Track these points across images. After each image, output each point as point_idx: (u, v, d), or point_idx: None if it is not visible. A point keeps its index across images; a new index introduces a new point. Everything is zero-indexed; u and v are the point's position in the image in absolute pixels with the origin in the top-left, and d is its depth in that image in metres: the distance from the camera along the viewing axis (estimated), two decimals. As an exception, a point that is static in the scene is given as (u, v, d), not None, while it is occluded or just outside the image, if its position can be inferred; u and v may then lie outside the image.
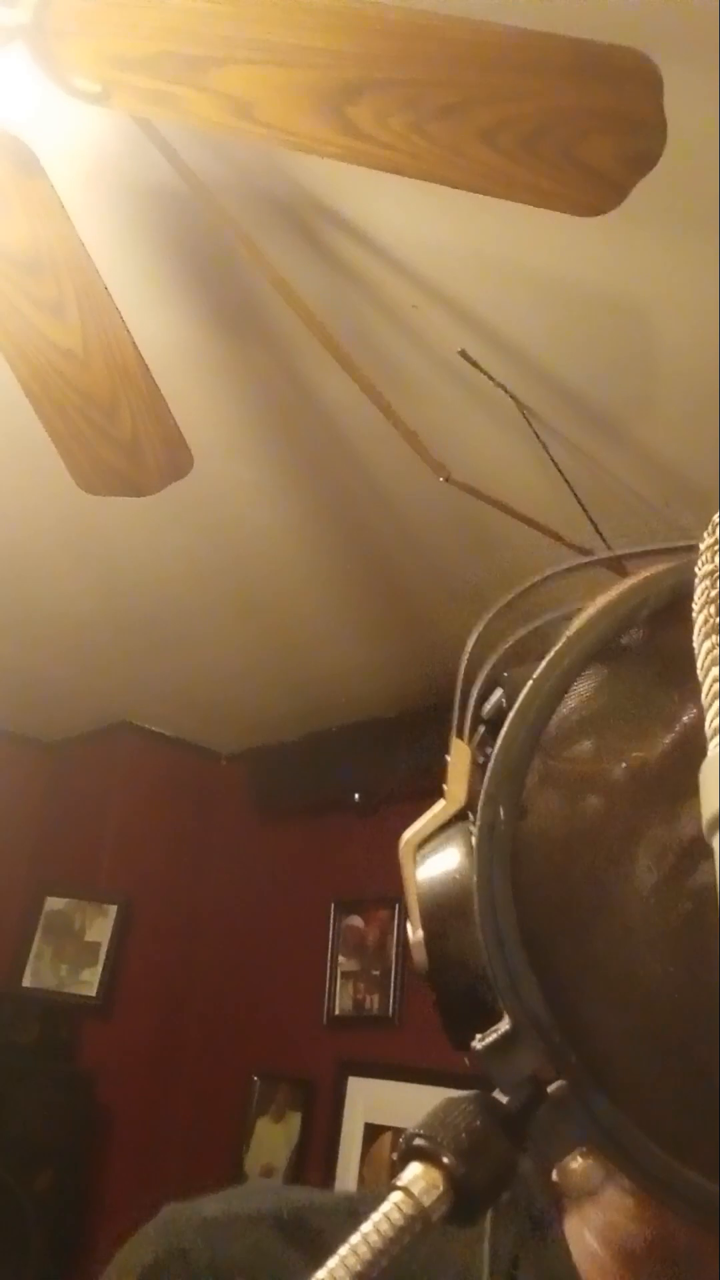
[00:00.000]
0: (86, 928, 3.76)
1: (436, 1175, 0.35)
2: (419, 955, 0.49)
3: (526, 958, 0.39)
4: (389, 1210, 0.34)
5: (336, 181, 1.75)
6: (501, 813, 0.40)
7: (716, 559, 0.36)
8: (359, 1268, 0.32)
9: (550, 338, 2.02)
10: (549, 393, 2.13)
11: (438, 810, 0.54)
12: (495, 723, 0.59)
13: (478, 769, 0.56)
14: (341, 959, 3.52)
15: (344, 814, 3.35)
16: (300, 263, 1.89)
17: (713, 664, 0.32)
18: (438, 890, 0.49)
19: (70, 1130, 3.32)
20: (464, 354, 2.01)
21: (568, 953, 0.40)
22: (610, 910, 0.40)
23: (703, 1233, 0.41)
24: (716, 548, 0.36)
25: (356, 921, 3.50)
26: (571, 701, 0.42)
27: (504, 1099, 0.38)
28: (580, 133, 1.29)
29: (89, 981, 3.68)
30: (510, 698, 0.57)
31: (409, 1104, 2.99)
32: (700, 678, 0.33)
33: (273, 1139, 3.47)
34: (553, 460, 2.16)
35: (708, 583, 0.35)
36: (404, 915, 0.51)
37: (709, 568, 0.36)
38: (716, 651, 0.33)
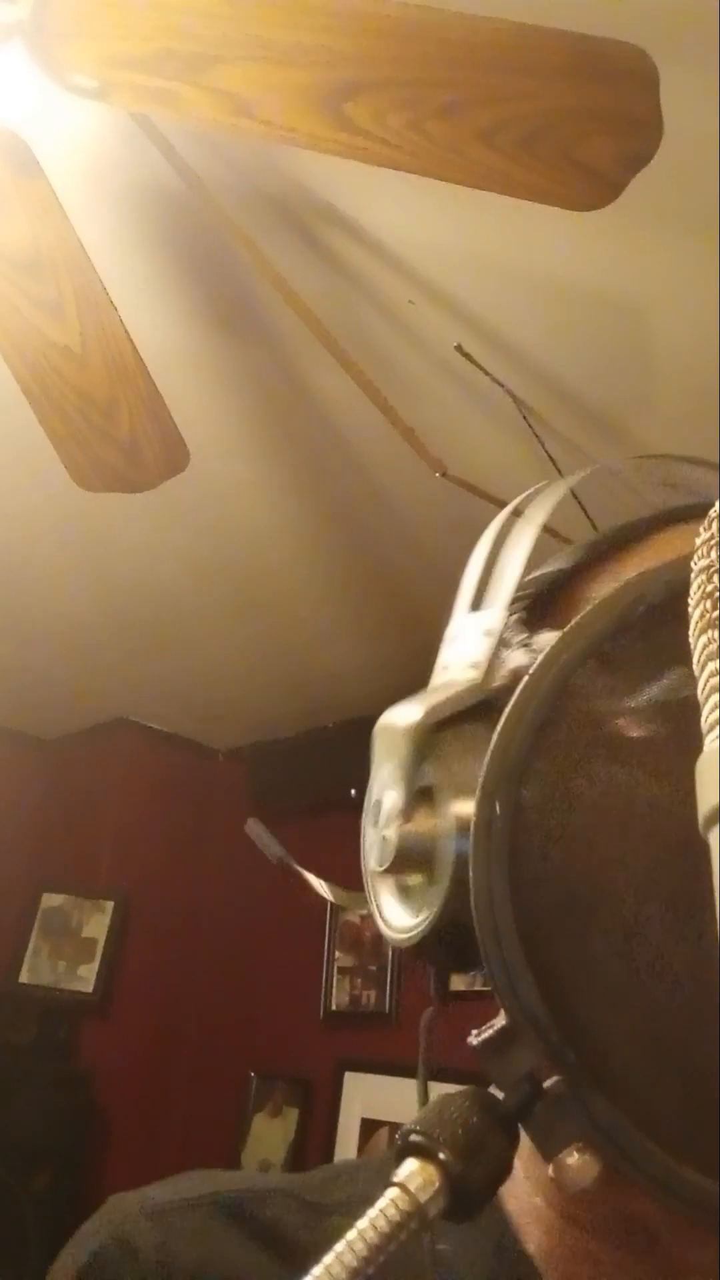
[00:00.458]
0: (84, 924, 3.76)
1: (433, 1172, 0.35)
2: (421, 830, 0.46)
3: (524, 955, 0.39)
4: (385, 1207, 0.34)
5: (335, 180, 1.75)
6: (499, 809, 0.40)
7: (712, 554, 0.36)
8: (355, 1264, 0.32)
9: (548, 335, 2.02)
10: (546, 390, 2.13)
11: (464, 690, 0.49)
12: (543, 598, 0.56)
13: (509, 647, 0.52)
14: (338, 955, 3.52)
15: (342, 811, 3.33)
16: (298, 261, 1.89)
17: (709, 659, 0.32)
18: (471, 769, 0.45)
19: (68, 1129, 3.32)
20: (460, 349, 2.01)
21: (566, 950, 0.40)
22: (608, 908, 0.40)
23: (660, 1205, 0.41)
24: (712, 542, 0.36)
25: (353, 918, 3.50)
26: (568, 697, 0.42)
27: (501, 1096, 0.38)
28: (578, 131, 1.29)
29: (86, 978, 3.68)
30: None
31: (405, 1099, 2.98)
32: (696, 673, 0.33)
33: (270, 1135, 3.47)
34: (549, 457, 2.16)
35: (703, 578, 0.35)
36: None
37: (704, 563, 0.36)
38: (713, 646, 0.33)
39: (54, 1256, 0.60)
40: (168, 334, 2.07)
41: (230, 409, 2.32)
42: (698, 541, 0.37)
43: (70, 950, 3.73)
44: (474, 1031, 0.39)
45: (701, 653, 0.33)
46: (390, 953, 3.33)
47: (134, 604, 3.15)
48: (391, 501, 2.50)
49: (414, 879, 0.48)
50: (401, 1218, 0.34)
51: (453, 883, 0.44)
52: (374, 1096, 3.26)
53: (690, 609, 0.35)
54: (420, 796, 0.47)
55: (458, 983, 0.49)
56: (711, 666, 0.32)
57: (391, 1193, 0.35)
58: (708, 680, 0.32)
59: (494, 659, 0.50)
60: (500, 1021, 0.39)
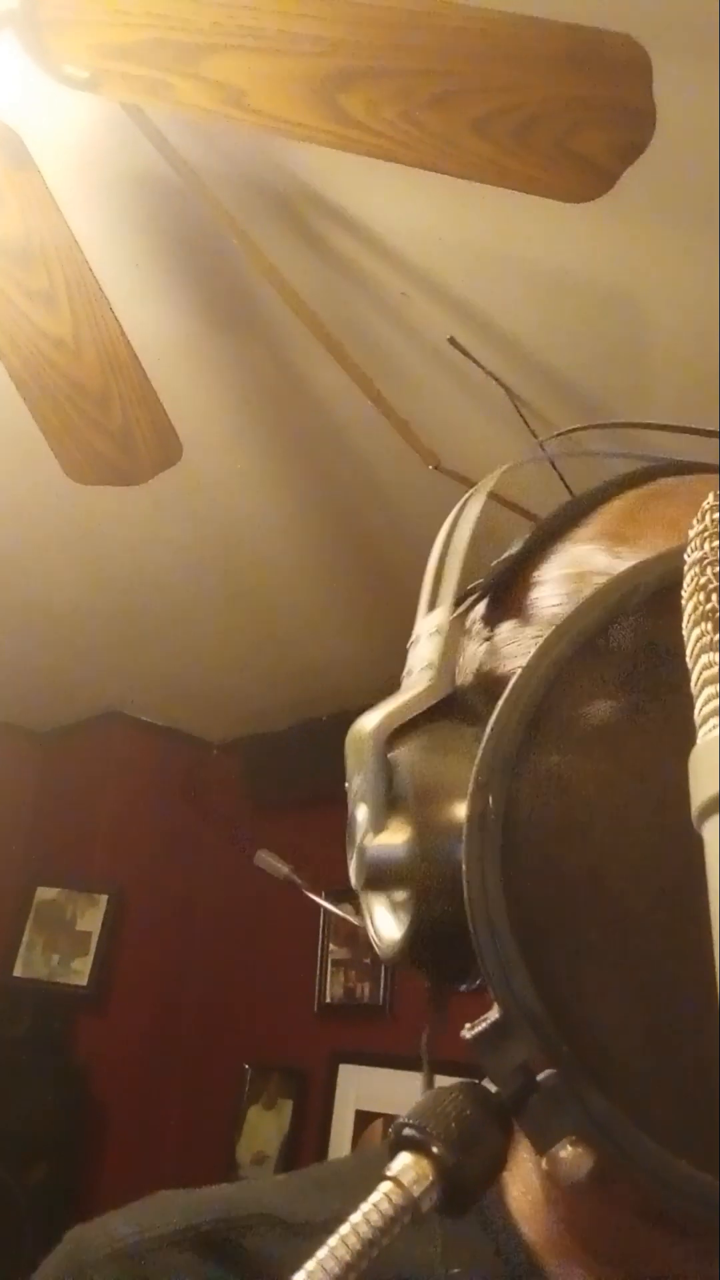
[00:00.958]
0: (78, 917, 3.76)
1: (426, 1165, 0.35)
2: (395, 838, 0.46)
3: (518, 948, 0.38)
4: (378, 1201, 0.34)
5: (328, 170, 1.74)
6: (492, 801, 0.40)
7: (706, 545, 0.36)
8: (348, 1258, 0.32)
9: (541, 327, 2.02)
10: (540, 382, 2.13)
11: (420, 694, 0.50)
12: (499, 587, 0.56)
13: (464, 646, 0.53)
14: (332, 948, 3.53)
15: (335, 804, 3.34)
16: (291, 251, 1.89)
17: (702, 651, 0.32)
18: (434, 775, 0.46)
19: (63, 1123, 3.32)
20: (453, 341, 2.01)
21: (560, 943, 0.40)
22: (603, 900, 0.40)
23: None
24: (706, 534, 0.36)
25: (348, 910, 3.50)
26: (562, 689, 0.42)
27: (494, 1089, 0.38)
28: (571, 122, 1.29)
29: (80, 971, 3.68)
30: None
31: (400, 1092, 3.00)
32: (690, 665, 0.33)
33: (265, 1127, 3.48)
34: (543, 450, 2.15)
35: (696, 570, 0.35)
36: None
37: (698, 554, 0.36)
38: (706, 639, 0.33)
39: (48, 1250, 0.56)
40: (160, 325, 2.07)
41: (223, 401, 2.32)
42: (691, 534, 0.37)
43: (64, 944, 3.73)
44: (468, 1025, 0.39)
45: (695, 645, 0.33)
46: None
47: (127, 596, 3.15)
48: (385, 494, 2.49)
49: (397, 892, 0.47)
50: (395, 1212, 0.34)
51: (428, 890, 0.44)
52: (368, 1089, 3.27)
53: (684, 601, 0.35)
54: (390, 806, 0.47)
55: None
56: (705, 659, 0.32)
57: (385, 1187, 0.35)
58: (701, 673, 0.32)
59: (446, 657, 0.51)
60: (494, 1015, 0.38)
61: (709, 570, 0.35)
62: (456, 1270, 0.49)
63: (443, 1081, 0.40)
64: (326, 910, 3.48)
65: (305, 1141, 3.36)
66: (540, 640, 0.42)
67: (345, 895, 3.51)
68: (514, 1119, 0.37)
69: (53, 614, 3.28)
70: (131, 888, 3.82)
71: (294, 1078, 3.49)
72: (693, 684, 0.32)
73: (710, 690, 0.31)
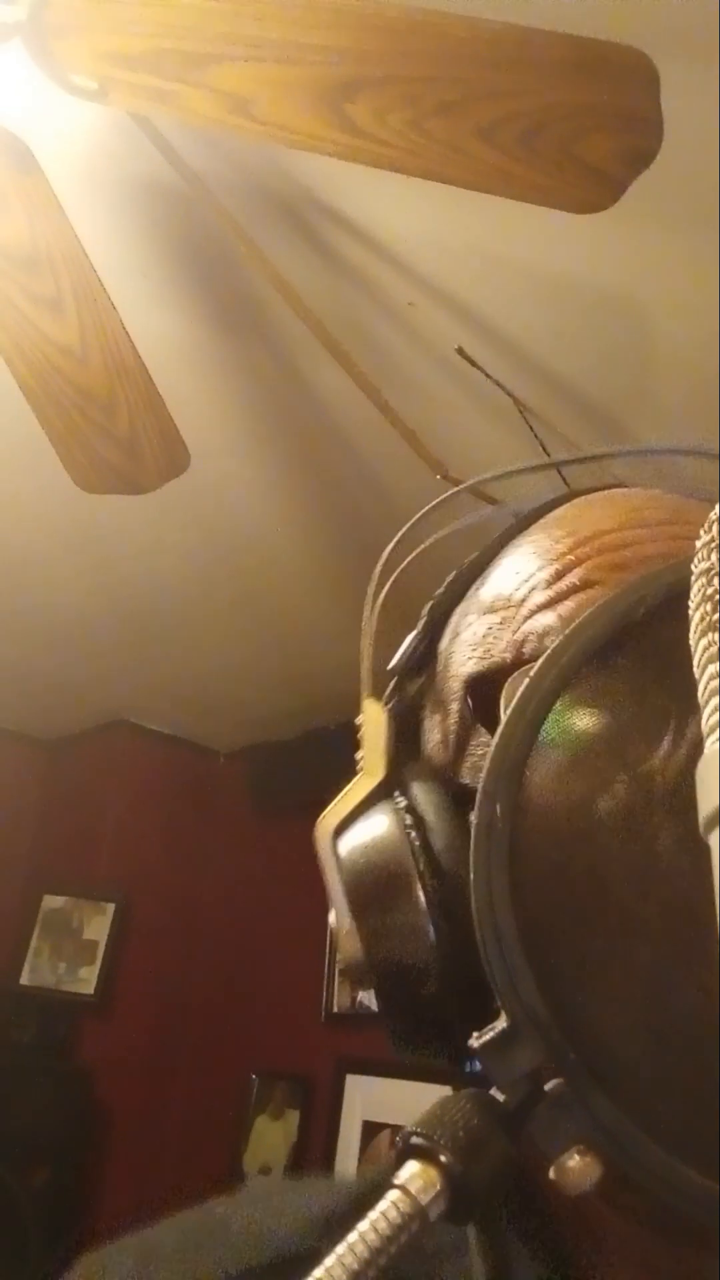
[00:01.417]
0: (84, 926, 3.76)
1: (434, 1174, 0.35)
2: (350, 945, 0.48)
3: (525, 955, 0.39)
4: (386, 1209, 0.34)
5: (334, 178, 1.75)
6: (499, 810, 0.40)
7: (713, 556, 0.36)
8: (356, 1266, 0.32)
9: (548, 335, 2.02)
10: (546, 390, 2.13)
11: (354, 786, 0.53)
12: (410, 670, 0.60)
13: (396, 732, 0.55)
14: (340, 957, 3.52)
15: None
16: (298, 260, 1.89)
17: (709, 661, 0.32)
18: (368, 872, 0.48)
19: (68, 1128, 3.32)
20: (461, 351, 2.01)
21: (566, 950, 0.40)
22: (610, 909, 0.40)
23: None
24: (713, 544, 0.36)
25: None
26: (569, 698, 0.42)
27: (502, 1097, 0.38)
28: (578, 130, 1.29)
29: (87, 980, 3.68)
30: (429, 633, 0.58)
31: (407, 1101, 2.99)
32: (697, 675, 0.33)
33: (271, 1136, 3.47)
34: (549, 457, 2.16)
35: (704, 580, 0.35)
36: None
37: (705, 565, 0.36)
38: (713, 649, 0.33)
39: (52, 1254, 0.56)
40: (167, 332, 2.07)
41: (230, 408, 2.32)
42: (698, 544, 0.37)
43: (71, 952, 3.73)
44: (475, 1034, 0.39)
45: (702, 655, 0.33)
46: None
47: (133, 604, 3.15)
48: (392, 502, 2.49)
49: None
50: (403, 1220, 0.34)
51: (386, 992, 0.47)
52: (375, 1098, 3.26)
53: (690, 612, 0.35)
54: (354, 910, 0.49)
55: None
56: (712, 669, 0.32)
57: (392, 1195, 0.35)
58: (708, 683, 0.32)
59: (373, 743, 0.54)
60: (501, 1023, 0.38)
61: (716, 581, 0.35)
62: None
63: (449, 1091, 0.40)
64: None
65: (312, 1151, 3.35)
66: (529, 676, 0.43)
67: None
68: (521, 1127, 0.37)
69: (59, 621, 3.29)
70: (138, 896, 3.82)
71: (301, 1087, 3.48)
72: (699, 694, 0.32)
73: (716, 701, 0.31)
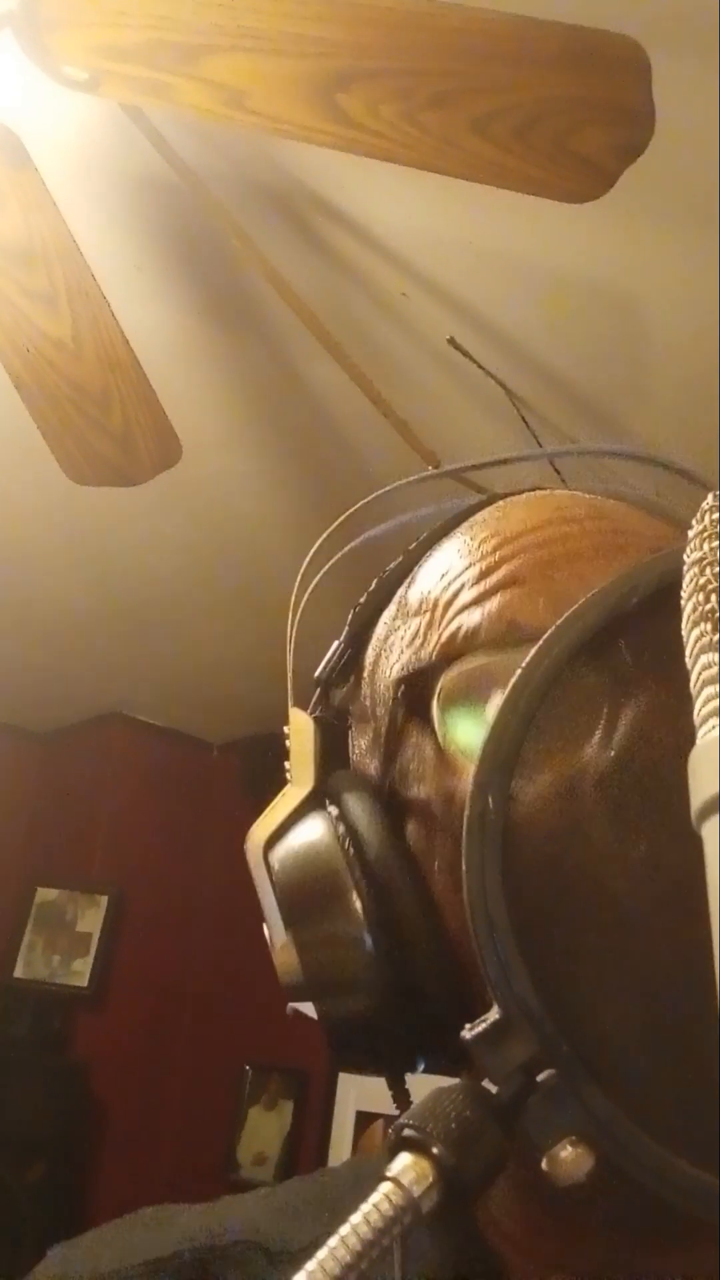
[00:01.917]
0: (78, 918, 3.76)
1: (426, 1166, 0.35)
2: (286, 958, 0.48)
3: (517, 947, 0.38)
4: (378, 1201, 0.34)
5: (327, 170, 1.74)
6: (491, 802, 0.40)
7: (705, 546, 0.36)
8: (348, 1259, 0.32)
9: (541, 327, 2.02)
10: (540, 382, 2.13)
11: (284, 797, 0.53)
12: (335, 680, 0.60)
13: (322, 739, 0.56)
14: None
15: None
16: (291, 252, 1.88)
17: (701, 651, 0.32)
18: (303, 883, 0.49)
19: (62, 1121, 3.32)
20: (453, 341, 2.01)
21: (559, 942, 0.40)
22: (602, 900, 0.40)
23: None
24: (706, 535, 0.36)
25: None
26: (561, 689, 0.42)
27: (494, 1089, 0.38)
28: (571, 122, 1.28)
29: (80, 972, 3.68)
30: (353, 648, 0.58)
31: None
32: (689, 665, 0.32)
33: (265, 1128, 3.48)
34: (542, 447, 2.15)
35: (696, 570, 0.35)
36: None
37: (697, 555, 0.36)
38: (706, 639, 0.33)
39: (47, 1248, 0.57)
40: (160, 325, 2.07)
41: (223, 401, 2.32)
42: (690, 534, 0.37)
43: (65, 944, 3.73)
44: (468, 1025, 0.39)
45: (694, 645, 0.33)
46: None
47: (127, 596, 3.15)
48: (385, 494, 2.49)
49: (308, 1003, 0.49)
50: (395, 1212, 0.34)
51: (323, 1003, 0.47)
52: (369, 1089, 3.26)
53: (683, 601, 0.35)
54: (289, 922, 0.49)
55: None
56: (704, 659, 0.32)
57: (385, 1187, 0.34)
58: (700, 673, 0.32)
59: (301, 754, 0.55)
60: (494, 1015, 0.38)
61: (708, 571, 0.35)
62: None
63: (442, 1082, 0.40)
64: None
65: (306, 1142, 3.36)
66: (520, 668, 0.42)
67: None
68: (514, 1119, 0.37)
69: (53, 614, 3.28)
70: (132, 888, 3.82)
71: (294, 1078, 3.48)
72: (692, 684, 0.32)
73: (709, 690, 0.31)
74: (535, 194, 1.37)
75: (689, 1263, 0.46)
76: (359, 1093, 3.28)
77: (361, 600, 0.62)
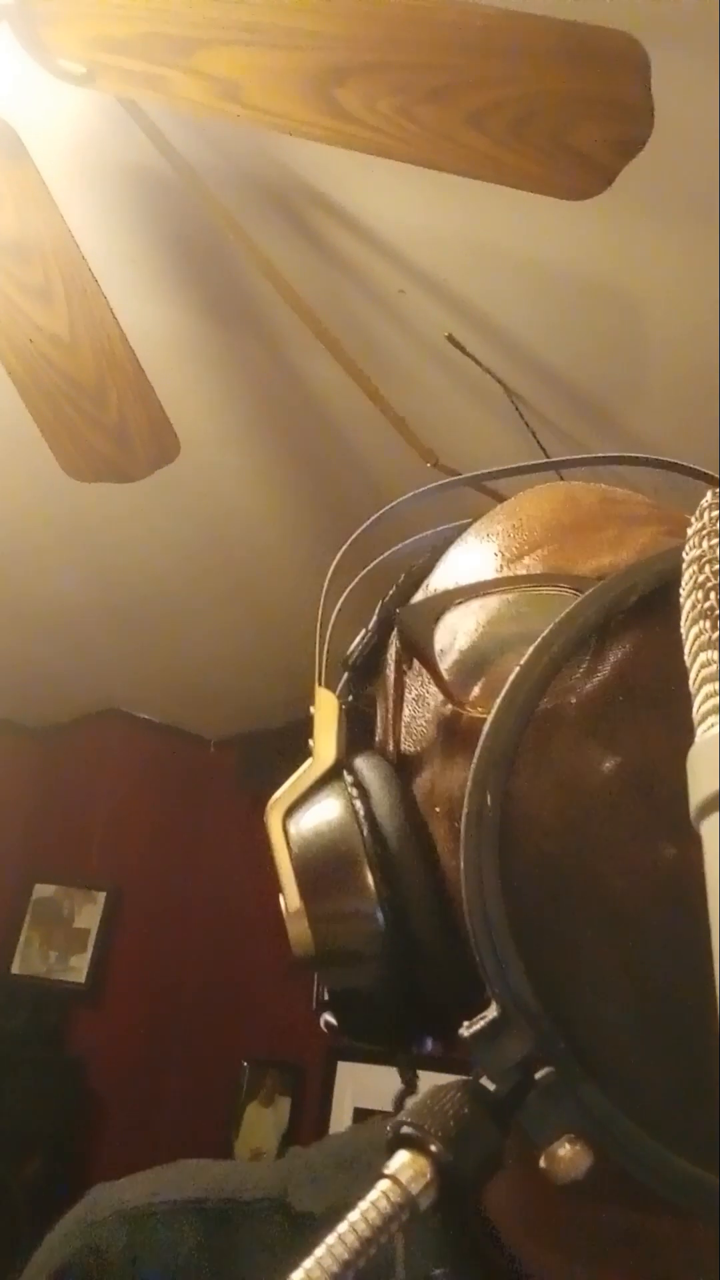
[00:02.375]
0: (75, 914, 3.76)
1: (424, 1163, 0.35)
2: (298, 927, 0.49)
3: (515, 944, 0.38)
4: (376, 1199, 0.34)
5: (324, 165, 1.74)
6: (489, 799, 0.40)
7: (704, 544, 0.36)
8: (346, 1256, 0.32)
9: (539, 323, 2.02)
10: (538, 379, 2.12)
11: (306, 770, 0.54)
12: (363, 669, 0.60)
13: (346, 720, 0.56)
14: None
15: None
16: (288, 247, 1.88)
17: (700, 649, 0.32)
18: (317, 853, 0.49)
19: (59, 1117, 3.33)
20: (451, 338, 2.01)
21: (557, 939, 0.40)
22: (600, 898, 0.40)
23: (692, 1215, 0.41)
24: (705, 532, 0.36)
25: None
26: (559, 686, 0.42)
27: (492, 1086, 0.38)
28: (568, 117, 1.28)
29: (78, 968, 3.68)
30: (398, 632, 0.59)
31: (397, 1088, 3.00)
32: (688, 663, 0.32)
33: (262, 1124, 3.48)
34: (541, 447, 2.15)
35: (695, 568, 0.35)
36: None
37: (696, 552, 0.36)
38: (705, 636, 0.32)
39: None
40: (157, 321, 2.07)
41: (220, 397, 2.31)
42: (689, 531, 0.37)
43: (62, 940, 3.73)
44: (465, 1023, 0.39)
45: (693, 643, 0.33)
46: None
47: (123, 593, 3.15)
48: (382, 490, 2.49)
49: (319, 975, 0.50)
50: (393, 1210, 0.34)
51: (332, 974, 0.49)
52: (366, 1085, 3.27)
53: (682, 599, 0.35)
54: (301, 888, 0.50)
55: None
56: (703, 657, 0.32)
57: (382, 1185, 0.34)
58: (699, 670, 0.32)
59: (324, 730, 0.55)
60: (491, 1012, 0.38)
61: (707, 568, 0.35)
62: (439, 1271, 0.49)
63: (439, 1079, 0.40)
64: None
65: (303, 1138, 3.35)
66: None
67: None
68: (511, 1116, 0.37)
69: (49, 610, 3.28)
70: (129, 884, 3.82)
71: (292, 1074, 3.49)
72: (691, 682, 0.32)
73: (709, 688, 0.31)
74: (533, 190, 1.37)
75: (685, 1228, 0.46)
76: (357, 1088, 3.29)
77: (390, 593, 0.63)
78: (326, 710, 0.56)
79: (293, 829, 0.51)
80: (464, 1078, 0.38)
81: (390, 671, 0.57)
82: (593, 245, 1.83)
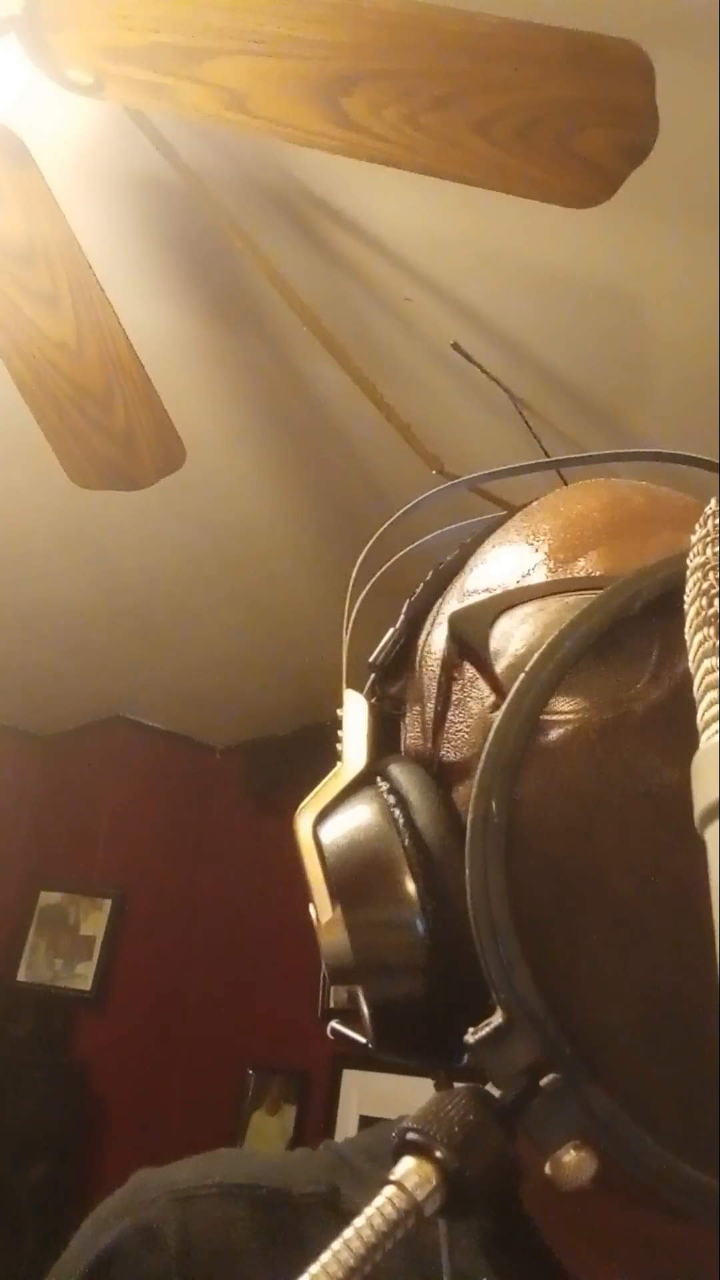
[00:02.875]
0: (81, 921, 3.76)
1: (430, 1169, 0.35)
2: (334, 935, 0.47)
3: (520, 949, 0.38)
4: (382, 1205, 0.34)
5: (330, 173, 1.74)
6: (494, 805, 0.40)
7: (708, 550, 0.36)
8: (352, 1262, 0.32)
9: (544, 329, 2.02)
10: (543, 385, 2.12)
11: (335, 775, 0.53)
12: (390, 669, 0.59)
13: (379, 723, 0.55)
14: (336, 952, 3.52)
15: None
16: (294, 254, 1.89)
17: (704, 655, 0.32)
18: (355, 860, 0.47)
19: (64, 1122, 3.33)
20: (457, 346, 2.01)
21: (562, 944, 0.40)
22: (606, 903, 0.40)
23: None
24: (708, 539, 0.36)
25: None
26: (565, 693, 0.42)
27: (498, 1092, 0.38)
28: (574, 123, 1.28)
29: (84, 975, 3.68)
30: (408, 632, 0.58)
31: (404, 1095, 2.98)
32: (692, 670, 0.32)
33: (267, 1132, 3.48)
34: (545, 453, 2.15)
35: (699, 575, 0.35)
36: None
37: (700, 560, 0.36)
38: (709, 643, 0.33)
39: (48, 1248, 0.58)
40: (163, 327, 2.07)
41: (226, 403, 2.32)
42: (693, 539, 0.37)
43: (68, 948, 3.73)
44: (471, 1029, 0.39)
45: (697, 650, 0.33)
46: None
47: (129, 599, 3.15)
48: (388, 497, 2.49)
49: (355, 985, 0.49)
50: (398, 1216, 0.34)
51: (373, 982, 0.47)
52: (372, 1092, 3.26)
53: (686, 605, 0.35)
54: (338, 897, 0.48)
55: None
56: (708, 663, 0.32)
57: (388, 1191, 0.35)
58: (704, 677, 0.32)
59: (354, 734, 0.54)
60: (497, 1018, 0.38)
61: (711, 575, 0.35)
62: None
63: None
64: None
65: (309, 1146, 3.36)
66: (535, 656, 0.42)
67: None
68: (517, 1122, 0.37)
69: (55, 616, 3.28)
70: (135, 891, 3.82)
71: (297, 1082, 3.48)
72: (695, 689, 0.32)
73: (712, 695, 0.31)
74: (539, 198, 1.37)
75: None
76: (362, 1096, 3.28)
77: (417, 590, 0.61)
78: (355, 713, 0.55)
79: (326, 836, 0.49)
80: (470, 1084, 0.38)
81: (433, 675, 0.55)
82: (598, 251, 1.83)
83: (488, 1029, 0.38)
